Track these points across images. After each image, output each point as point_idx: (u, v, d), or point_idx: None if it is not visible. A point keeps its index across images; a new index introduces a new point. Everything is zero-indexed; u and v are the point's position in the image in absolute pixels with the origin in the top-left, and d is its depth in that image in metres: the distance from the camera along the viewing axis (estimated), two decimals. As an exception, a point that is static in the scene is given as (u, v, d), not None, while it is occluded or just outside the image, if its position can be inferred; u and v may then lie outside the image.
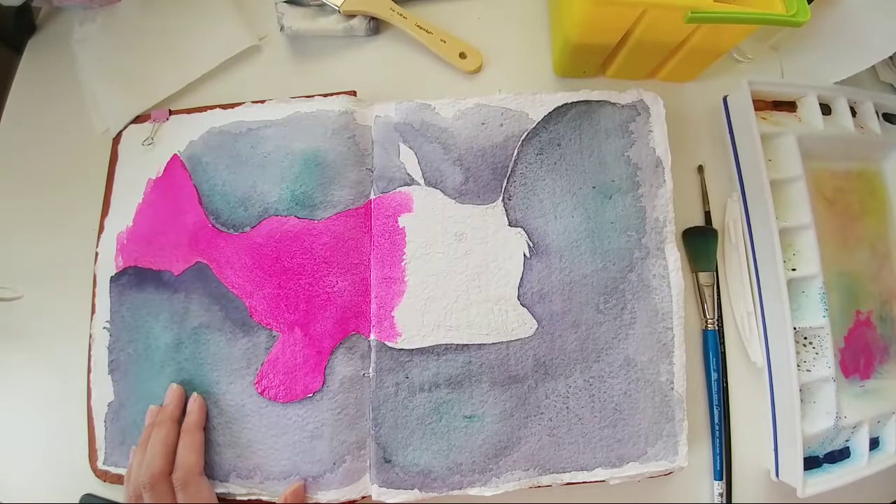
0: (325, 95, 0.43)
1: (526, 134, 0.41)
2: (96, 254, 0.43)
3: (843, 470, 0.39)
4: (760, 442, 0.40)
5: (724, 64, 0.47)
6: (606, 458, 0.37)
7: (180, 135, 0.44)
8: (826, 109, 0.44)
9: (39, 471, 0.42)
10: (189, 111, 0.45)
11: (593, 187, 0.40)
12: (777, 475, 0.39)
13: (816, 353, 0.40)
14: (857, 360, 0.41)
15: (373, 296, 0.39)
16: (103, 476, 0.40)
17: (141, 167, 0.44)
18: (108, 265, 0.43)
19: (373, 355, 0.38)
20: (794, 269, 0.40)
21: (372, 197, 0.41)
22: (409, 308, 0.39)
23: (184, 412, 0.38)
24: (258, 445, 0.38)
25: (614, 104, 0.41)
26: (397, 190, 0.41)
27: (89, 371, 0.41)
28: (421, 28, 0.46)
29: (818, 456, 0.39)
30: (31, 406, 0.43)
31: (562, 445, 0.37)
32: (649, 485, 0.39)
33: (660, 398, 0.37)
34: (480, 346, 0.38)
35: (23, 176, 0.48)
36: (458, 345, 0.38)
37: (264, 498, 0.37)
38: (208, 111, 0.45)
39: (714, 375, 0.40)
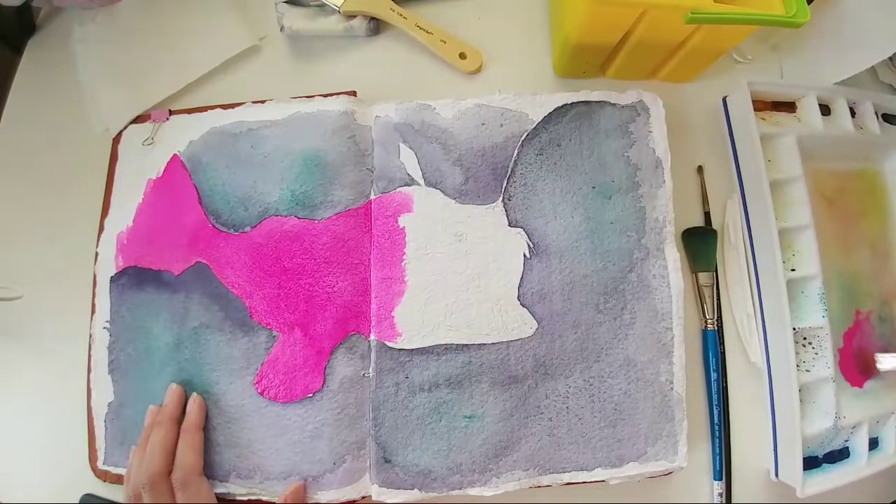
0: (325, 95, 0.43)
1: (526, 134, 0.41)
2: (96, 254, 0.43)
3: (843, 470, 0.39)
4: (760, 442, 0.40)
5: (724, 64, 0.47)
6: (606, 458, 0.37)
7: (180, 135, 0.44)
8: (826, 110, 0.44)
9: (39, 471, 0.42)
10: (189, 111, 0.45)
11: (593, 187, 0.40)
12: (776, 475, 0.39)
13: (816, 354, 0.40)
14: (856, 360, 0.42)
15: (373, 296, 0.39)
16: (103, 476, 0.40)
17: (141, 167, 0.44)
18: (108, 265, 0.43)
19: (373, 355, 0.38)
20: (793, 270, 0.41)
21: (372, 197, 0.41)
22: (409, 308, 0.39)
23: (184, 412, 0.38)
24: (258, 445, 0.38)
25: (614, 104, 0.41)
26: (397, 190, 0.41)
27: (89, 371, 0.41)
28: (421, 28, 0.46)
29: (817, 456, 0.39)
30: (31, 406, 0.43)
31: (562, 445, 0.37)
32: (649, 485, 0.39)
33: (660, 398, 0.37)
34: (480, 346, 0.38)
35: (23, 176, 0.48)
36: (458, 345, 0.38)
37: (264, 498, 0.37)
38: (208, 111, 0.45)
39: (714, 375, 0.40)
